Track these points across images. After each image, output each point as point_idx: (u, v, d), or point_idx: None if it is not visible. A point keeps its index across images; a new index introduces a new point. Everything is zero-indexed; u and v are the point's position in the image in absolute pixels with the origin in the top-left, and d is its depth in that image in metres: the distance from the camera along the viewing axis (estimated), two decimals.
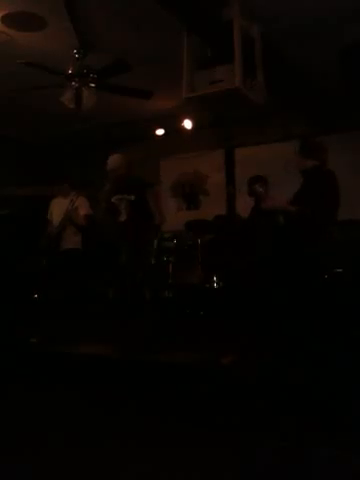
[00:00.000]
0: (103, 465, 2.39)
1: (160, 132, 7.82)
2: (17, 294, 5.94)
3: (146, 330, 4.40)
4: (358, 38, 4.97)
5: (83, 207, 6.24)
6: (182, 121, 7.33)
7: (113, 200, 5.42)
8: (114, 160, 5.46)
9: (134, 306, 4.93)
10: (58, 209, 6.37)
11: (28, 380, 3.66)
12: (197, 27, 4.69)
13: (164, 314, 4.80)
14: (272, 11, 4.73)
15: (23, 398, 3.36)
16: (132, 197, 5.25)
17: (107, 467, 2.37)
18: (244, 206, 6.36)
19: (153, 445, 2.59)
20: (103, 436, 2.72)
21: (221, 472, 2.32)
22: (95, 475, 2.32)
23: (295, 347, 3.59)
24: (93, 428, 2.84)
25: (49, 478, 2.29)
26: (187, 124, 7.35)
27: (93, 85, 5.56)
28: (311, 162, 4.61)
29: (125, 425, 2.86)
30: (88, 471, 2.34)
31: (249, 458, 2.44)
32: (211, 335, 4.34)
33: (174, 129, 7.44)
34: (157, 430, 2.75)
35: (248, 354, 3.66)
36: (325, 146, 4.73)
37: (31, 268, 6.36)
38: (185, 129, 7.41)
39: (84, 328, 4.60)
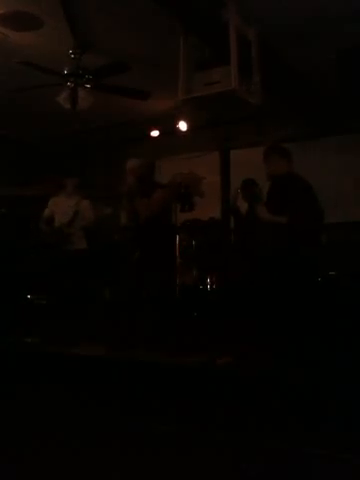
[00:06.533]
0: (103, 465, 2.38)
1: (155, 133, 7.81)
2: (15, 294, 5.94)
3: (146, 330, 4.40)
4: (358, 39, 4.97)
5: (90, 210, 6.44)
6: (179, 122, 7.31)
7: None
8: (132, 163, 5.42)
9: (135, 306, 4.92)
10: (61, 208, 6.41)
11: (27, 380, 3.65)
12: (195, 28, 4.68)
13: (163, 314, 4.79)
14: (271, 11, 4.74)
15: (22, 398, 3.36)
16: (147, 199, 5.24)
17: (107, 467, 2.36)
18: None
19: (153, 445, 2.58)
20: (103, 436, 2.71)
21: (221, 472, 2.31)
22: (95, 475, 2.31)
23: (295, 347, 3.60)
24: (92, 428, 2.83)
25: (49, 478, 2.28)
26: (183, 125, 7.34)
27: (89, 85, 5.55)
28: (282, 168, 4.53)
29: (125, 425, 2.86)
30: (88, 471, 2.33)
31: (249, 458, 2.43)
32: (209, 335, 4.33)
33: (172, 130, 7.42)
34: (157, 430, 2.75)
35: (248, 354, 3.67)
36: (290, 151, 4.65)
37: (30, 268, 6.38)
38: (182, 130, 7.40)
39: (83, 328, 4.59)
